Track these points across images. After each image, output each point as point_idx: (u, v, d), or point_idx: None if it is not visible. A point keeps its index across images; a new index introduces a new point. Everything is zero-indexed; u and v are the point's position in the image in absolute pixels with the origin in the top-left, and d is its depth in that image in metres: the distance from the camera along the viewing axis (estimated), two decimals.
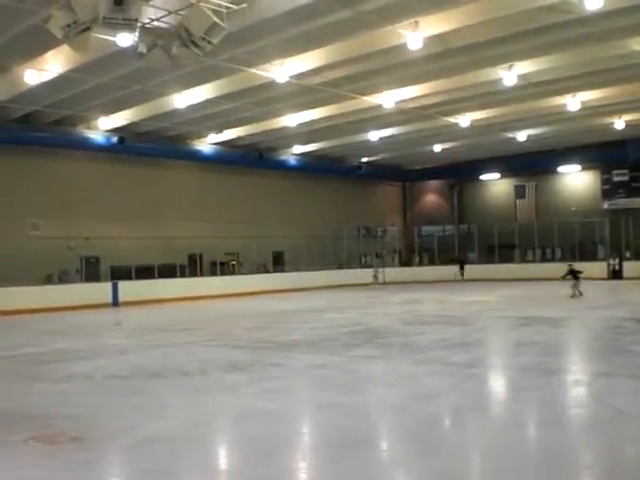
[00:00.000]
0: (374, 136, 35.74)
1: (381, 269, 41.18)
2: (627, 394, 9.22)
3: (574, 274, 25.68)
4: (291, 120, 31.29)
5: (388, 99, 27.75)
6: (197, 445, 7.32)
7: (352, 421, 8.15)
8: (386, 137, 36.31)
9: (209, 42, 14.78)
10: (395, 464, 6.86)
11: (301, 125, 32.15)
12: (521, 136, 37.41)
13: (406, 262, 48.41)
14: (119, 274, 30.57)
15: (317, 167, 42.55)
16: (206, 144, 36.12)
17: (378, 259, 44.37)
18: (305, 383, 11.06)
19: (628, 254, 39.23)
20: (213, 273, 35.82)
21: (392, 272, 43.23)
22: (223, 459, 7.38)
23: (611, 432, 7.46)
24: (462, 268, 40.27)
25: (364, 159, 44.65)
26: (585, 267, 38.40)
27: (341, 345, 14.98)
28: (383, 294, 33.41)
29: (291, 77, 23.48)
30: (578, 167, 44.35)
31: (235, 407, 9.23)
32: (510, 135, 37.22)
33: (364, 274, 41.82)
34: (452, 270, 42.53)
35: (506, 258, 43.17)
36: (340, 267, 42.32)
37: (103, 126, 31.48)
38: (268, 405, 9.12)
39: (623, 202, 42.64)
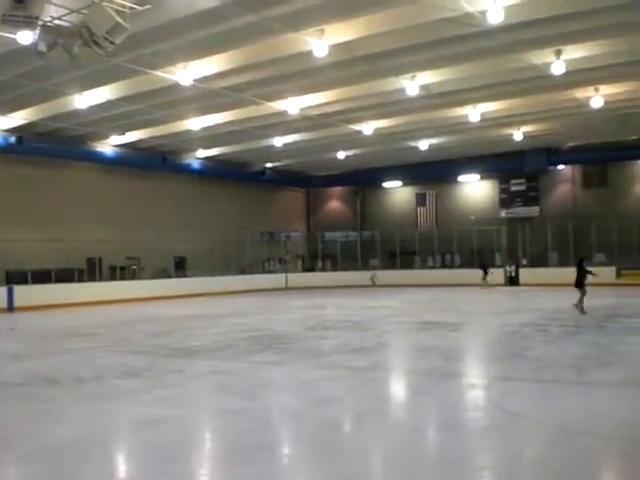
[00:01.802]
0: (278, 142, 35.76)
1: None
2: (522, 398, 9.46)
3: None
4: (195, 124, 31.00)
5: (293, 105, 27.81)
6: (95, 453, 7.15)
7: (252, 427, 8.11)
8: (290, 143, 36.39)
9: (111, 42, 14.50)
10: (296, 469, 6.85)
11: (205, 129, 31.90)
12: (423, 145, 38.07)
13: (309, 267, 48.66)
14: (14, 278, 29.62)
15: (221, 172, 42.27)
16: (108, 146, 35.40)
17: (281, 264, 44.53)
18: (204, 389, 10.94)
19: (524, 261, 40.48)
20: (113, 278, 35.15)
21: (295, 277, 43.41)
22: (123, 467, 7.21)
23: (507, 435, 7.65)
24: (486, 273, 38.36)
25: (268, 164, 44.63)
26: (481, 274, 39.74)
27: (242, 351, 14.90)
28: (286, 299, 33.45)
29: (195, 80, 23.27)
30: (477, 176, 45.55)
31: (133, 414, 9.06)
32: (412, 144, 37.84)
33: (267, 279, 41.85)
34: (355, 275, 43.09)
35: (407, 264, 43.90)
36: (243, 272, 42.18)
37: (1, 125, 30.43)
38: (167, 412, 8.99)
39: (520, 211, 44.05)
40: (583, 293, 20.72)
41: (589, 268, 21.29)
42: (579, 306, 20.54)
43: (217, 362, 13.30)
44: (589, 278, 21.00)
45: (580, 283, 20.89)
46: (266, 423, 8.59)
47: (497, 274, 38.45)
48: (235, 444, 7.42)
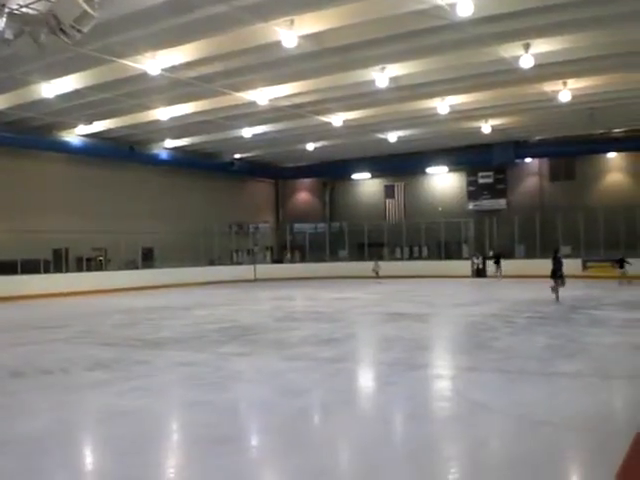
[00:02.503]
0: (247, 132, 35.64)
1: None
2: (488, 388, 9.55)
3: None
4: (163, 114, 30.79)
5: (262, 96, 27.73)
6: (62, 445, 7.13)
7: (220, 418, 8.12)
8: (259, 134, 36.31)
9: (79, 31, 14.34)
10: (264, 460, 6.88)
11: (173, 119, 31.70)
12: (392, 137, 38.18)
13: (278, 259, 48.64)
14: None
15: (189, 162, 42.06)
16: (74, 135, 35.05)
17: (250, 256, 44.45)
18: (172, 381, 10.91)
19: (491, 253, 40.78)
20: (80, 269, 34.86)
21: (264, 269, 43.39)
22: (89, 459, 7.19)
23: (472, 425, 7.74)
24: (498, 264, 37.62)
25: (237, 155, 44.50)
26: (450, 265, 39.99)
27: (210, 342, 14.87)
28: (254, 291, 33.43)
29: (164, 70, 23.11)
30: (446, 169, 45.82)
31: (100, 406, 9.01)
32: (381, 136, 37.93)
33: (236, 271, 41.79)
34: (322, 267, 43.16)
35: (375, 256, 44.01)
36: (212, 264, 42.05)
37: None
38: (134, 403, 8.96)
39: (487, 203, 44.39)
40: (559, 283, 22.09)
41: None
42: (556, 295, 22.02)
43: (185, 353, 13.28)
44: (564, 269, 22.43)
45: (556, 273, 22.16)
46: (234, 414, 8.60)
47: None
48: (203, 435, 7.41)
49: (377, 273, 38.17)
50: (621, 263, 34.29)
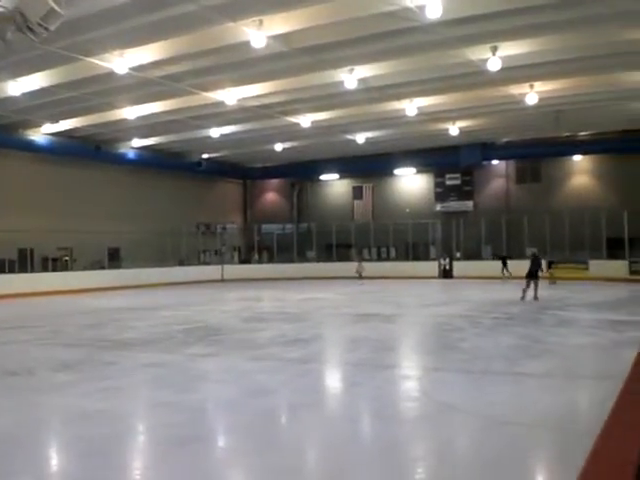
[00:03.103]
0: (215, 133, 35.52)
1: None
2: (454, 388, 9.60)
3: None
4: (131, 113, 30.56)
5: (230, 96, 27.65)
6: (27, 447, 7.02)
7: (186, 419, 8.07)
8: (228, 134, 36.21)
9: (45, 28, 14.18)
10: (231, 460, 6.85)
11: (141, 118, 31.50)
12: (360, 138, 38.27)
13: (246, 259, 48.54)
14: None
15: (157, 162, 41.79)
16: (40, 134, 34.67)
17: (217, 256, 44.30)
18: (138, 382, 10.83)
19: (458, 254, 41.11)
20: (45, 269, 34.51)
21: (231, 269, 43.28)
22: (55, 460, 7.10)
23: (439, 425, 7.78)
24: (505, 265, 36.65)
25: (205, 155, 44.32)
26: (417, 266, 40.18)
27: (176, 343, 14.79)
28: (222, 291, 33.32)
29: (131, 69, 22.93)
30: (413, 170, 46.00)
31: (66, 407, 8.92)
32: (350, 137, 38.00)
33: (203, 271, 41.64)
34: (290, 268, 43.14)
35: (343, 257, 44.13)
36: (179, 264, 41.85)
37: None
38: (100, 405, 8.87)
39: (454, 205, 44.64)
40: (536, 283, 23.20)
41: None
42: (535, 293, 23.12)
43: (151, 354, 13.19)
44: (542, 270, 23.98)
45: (533, 274, 23.24)
46: (201, 415, 8.56)
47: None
48: (169, 436, 7.37)
49: (360, 274, 38.03)
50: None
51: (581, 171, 41.35)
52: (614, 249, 35.75)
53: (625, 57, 22.81)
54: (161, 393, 9.63)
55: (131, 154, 40.04)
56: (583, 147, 39.93)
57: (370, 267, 40.56)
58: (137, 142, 38.91)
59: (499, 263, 36.67)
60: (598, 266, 35.42)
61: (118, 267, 37.89)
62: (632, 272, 33.51)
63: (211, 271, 42.45)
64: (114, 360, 12.42)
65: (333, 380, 11.49)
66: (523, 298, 22.87)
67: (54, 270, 34.72)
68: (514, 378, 10.32)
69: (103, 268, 37.13)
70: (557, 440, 7.12)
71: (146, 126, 33.79)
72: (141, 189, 41.14)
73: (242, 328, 17.65)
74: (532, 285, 23.22)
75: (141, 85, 25.78)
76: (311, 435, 7.67)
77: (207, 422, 8.39)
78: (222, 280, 41.64)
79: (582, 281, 32.39)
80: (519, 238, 38.68)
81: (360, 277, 37.65)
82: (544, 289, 24.96)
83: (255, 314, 21.54)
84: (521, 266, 24.97)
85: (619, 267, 34.50)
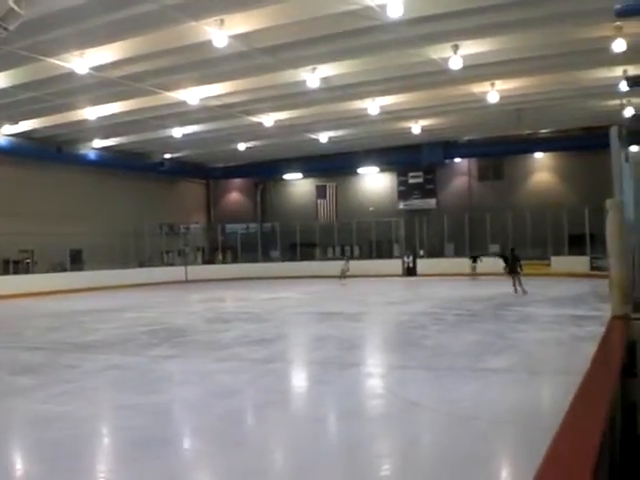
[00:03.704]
0: (178, 132, 35.29)
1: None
2: (418, 385, 9.67)
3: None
4: (92, 113, 30.21)
5: (192, 96, 27.48)
6: None
7: (151, 421, 8.03)
8: (190, 134, 35.97)
9: (5, 28, 14.09)
10: (195, 462, 6.83)
11: (102, 119, 31.15)
12: (323, 137, 38.28)
13: (209, 260, 48.32)
14: None
15: (119, 162, 41.37)
16: (0, 135, 34.21)
17: (181, 257, 44.05)
18: (101, 384, 10.74)
19: (421, 252, 41.31)
20: (6, 271, 34.04)
21: (195, 270, 43.06)
22: (18, 465, 7.02)
23: (404, 422, 7.82)
24: (506, 262, 36.40)
25: (167, 155, 43.98)
26: (381, 264, 40.30)
27: (140, 345, 14.70)
28: (186, 292, 33.17)
29: (92, 69, 22.68)
30: (377, 169, 46.08)
31: (28, 411, 8.83)
32: (313, 136, 37.99)
33: (167, 272, 41.38)
34: (254, 268, 43.07)
35: (308, 256, 44.14)
36: (142, 265, 41.54)
37: None
38: (63, 408, 8.79)
39: (417, 203, 44.81)
40: (518, 278, 24.91)
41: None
42: (521, 288, 24.62)
43: (115, 357, 13.09)
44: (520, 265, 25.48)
45: (514, 269, 25.13)
46: (165, 417, 8.52)
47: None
48: (134, 439, 7.32)
49: (344, 273, 36.52)
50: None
51: (543, 168, 41.78)
52: (576, 245, 36.18)
53: (585, 55, 23.07)
54: (124, 395, 9.56)
55: (92, 155, 39.61)
56: (544, 144, 40.37)
57: (334, 266, 40.59)
58: (98, 143, 38.51)
59: (462, 260, 36.86)
60: (560, 262, 35.79)
61: (80, 269, 37.50)
62: (593, 268, 33.87)
63: (175, 272, 42.17)
64: (76, 363, 12.30)
65: (298, 379, 11.51)
66: (516, 291, 24.59)
67: (15, 273, 34.25)
68: (477, 374, 10.41)
69: (65, 270, 36.71)
70: (519, 435, 7.19)
71: (107, 126, 33.45)
72: (103, 190, 40.70)
73: (206, 329, 17.60)
74: (515, 280, 24.91)
75: (102, 85, 25.51)
76: (276, 435, 7.66)
77: (171, 424, 8.35)
78: (186, 281, 41.42)
79: (544, 277, 32.69)
80: (482, 235, 39.00)
81: (344, 276, 36.65)
82: (507, 286, 25.23)
83: (219, 315, 21.48)
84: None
85: (581, 263, 34.91)
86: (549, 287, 28.27)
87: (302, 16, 19.06)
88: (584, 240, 35.55)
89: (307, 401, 9.58)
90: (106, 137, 37.24)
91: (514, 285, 24.91)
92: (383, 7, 18.00)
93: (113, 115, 30.68)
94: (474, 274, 35.65)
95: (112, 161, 40.69)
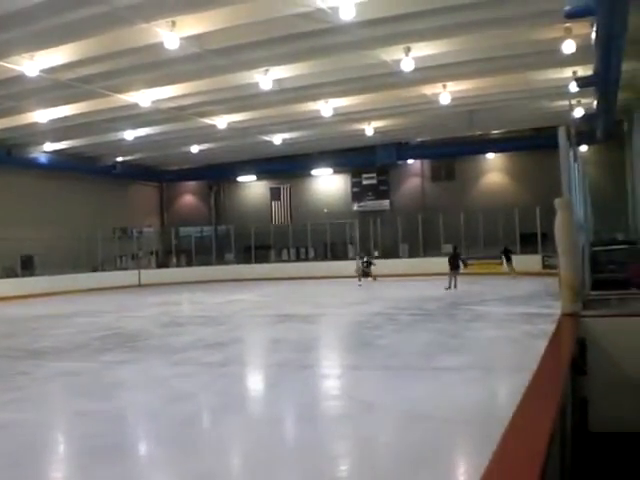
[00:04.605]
0: (130, 135, 34.95)
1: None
2: (373, 386, 9.72)
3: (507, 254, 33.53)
4: (42, 116, 29.79)
5: (144, 98, 27.23)
6: None
7: (105, 428, 7.93)
8: (142, 136, 35.64)
9: None
10: (152, 469, 6.78)
11: (53, 121, 30.72)
12: (277, 139, 38.22)
13: (163, 263, 47.93)
14: None
15: (70, 166, 40.82)
16: None
17: (134, 261, 43.64)
18: (54, 391, 10.61)
19: (376, 253, 41.45)
20: None
21: (149, 274, 42.69)
22: None
23: (359, 423, 7.85)
24: (509, 260, 35.02)
25: (119, 158, 43.50)
26: (335, 266, 40.35)
27: (93, 350, 14.53)
28: (139, 296, 32.87)
29: (42, 71, 22.36)
30: (330, 170, 46.16)
31: None
32: (266, 138, 37.91)
33: (120, 276, 40.98)
34: (209, 271, 42.84)
35: (262, 258, 44.08)
36: (95, 270, 41.07)
37: None
38: (14, 416, 8.66)
39: (371, 204, 45.00)
40: (456, 275, 26.73)
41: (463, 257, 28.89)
42: (454, 284, 26.48)
43: (67, 363, 12.93)
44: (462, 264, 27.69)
45: (455, 266, 27.00)
46: (119, 423, 8.43)
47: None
48: (88, 446, 7.23)
49: (366, 272, 35.65)
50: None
51: (494, 168, 42.26)
52: (527, 244, 36.66)
53: (535, 56, 23.35)
54: (78, 402, 9.45)
55: (43, 158, 39.02)
56: (496, 145, 40.88)
57: (289, 268, 40.60)
58: (49, 146, 37.94)
59: (415, 261, 37.18)
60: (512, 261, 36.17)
61: (32, 275, 36.95)
62: (545, 266, 34.30)
63: (128, 276, 41.72)
64: (28, 370, 12.11)
65: (253, 382, 11.50)
66: (449, 288, 25.97)
67: None
68: (432, 373, 10.50)
69: (16, 276, 36.16)
70: (475, 432, 7.26)
71: (58, 129, 32.99)
72: (55, 194, 40.13)
73: (160, 333, 17.45)
74: (453, 277, 26.39)
75: (52, 88, 25.17)
76: (233, 438, 7.65)
77: (126, 430, 8.28)
78: (139, 285, 41.01)
79: (497, 276, 33.05)
80: (435, 235, 39.33)
81: (370, 275, 35.52)
82: (463, 284, 25.53)
83: (174, 318, 21.34)
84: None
85: (533, 261, 35.34)
86: (501, 286, 28.61)
87: (254, 18, 19.01)
88: (536, 239, 36.02)
89: (263, 404, 9.58)
90: (57, 140, 36.71)
91: (449, 282, 26.37)
92: (335, 9, 18.05)
93: (64, 118, 30.27)
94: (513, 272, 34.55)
95: (64, 165, 40.15)
